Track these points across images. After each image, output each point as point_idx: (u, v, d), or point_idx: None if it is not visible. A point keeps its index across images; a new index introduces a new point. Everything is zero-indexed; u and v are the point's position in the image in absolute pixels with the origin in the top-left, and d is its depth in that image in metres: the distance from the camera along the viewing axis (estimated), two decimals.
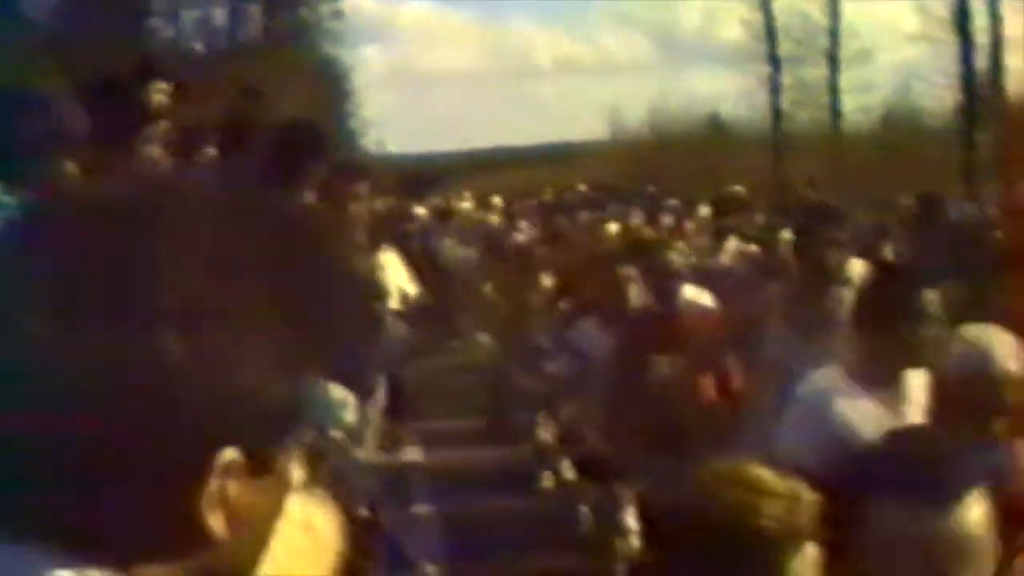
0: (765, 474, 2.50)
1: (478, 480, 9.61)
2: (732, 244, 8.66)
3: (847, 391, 4.09)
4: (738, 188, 21.36)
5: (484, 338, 11.70)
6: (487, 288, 11.18)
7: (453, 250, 15.80)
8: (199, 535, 0.97)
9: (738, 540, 2.39)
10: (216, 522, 0.97)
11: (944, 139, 30.47)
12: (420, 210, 20.78)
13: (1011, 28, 29.26)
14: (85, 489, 0.95)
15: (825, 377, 4.24)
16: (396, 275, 6.77)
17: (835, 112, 33.87)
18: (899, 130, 33.59)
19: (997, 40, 29.22)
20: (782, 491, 2.44)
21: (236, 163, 5.87)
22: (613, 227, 11.10)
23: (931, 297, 4.06)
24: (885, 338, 4.04)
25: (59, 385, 0.94)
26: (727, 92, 36.76)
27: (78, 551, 0.95)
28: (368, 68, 60.13)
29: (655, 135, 38.84)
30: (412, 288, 6.96)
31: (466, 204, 21.89)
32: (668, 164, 33.62)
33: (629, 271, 6.94)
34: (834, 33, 33.44)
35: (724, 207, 9.75)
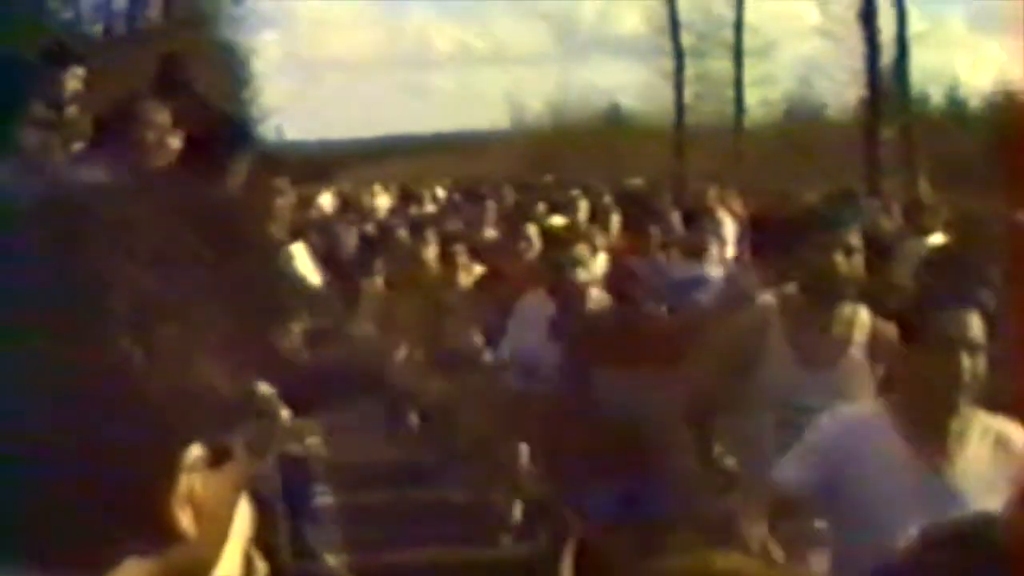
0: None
1: (378, 473, 9.63)
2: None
3: (884, 435, 3.49)
4: (637, 180, 21.22)
5: (368, 330, 11.05)
6: (379, 281, 10.56)
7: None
8: (168, 533, 0.98)
9: None
10: (185, 517, 0.99)
11: (846, 134, 30.34)
12: (324, 199, 20.29)
13: (916, 24, 29.35)
14: (52, 502, 0.95)
15: (860, 412, 3.68)
16: (304, 266, 6.79)
17: (738, 105, 33.70)
18: (802, 124, 33.62)
19: (903, 35, 29.07)
20: None
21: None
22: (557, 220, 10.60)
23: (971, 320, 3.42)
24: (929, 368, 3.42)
25: (14, 398, 0.94)
26: (628, 84, 36.65)
27: (48, 565, 0.96)
28: (266, 55, 59.31)
29: (555, 126, 38.65)
30: (317, 279, 7.03)
31: (381, 197, 21.20)
32: (569, 155, 33.39)
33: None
34: (738, 27, 33.29)
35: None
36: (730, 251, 10.52)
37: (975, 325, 3.38)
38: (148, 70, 8.36)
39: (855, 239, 4.31)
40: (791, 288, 4.56)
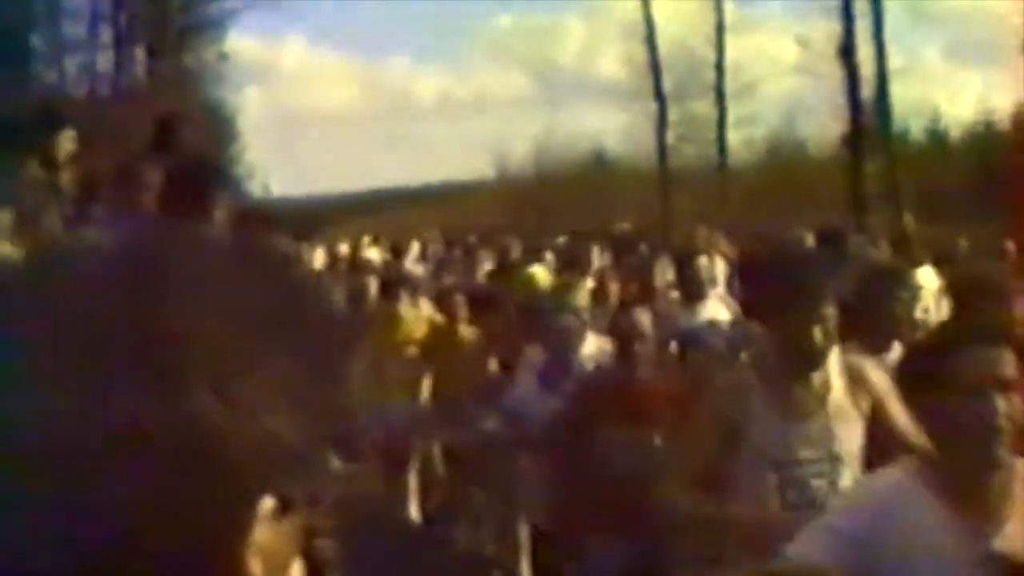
0: None
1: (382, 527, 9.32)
2: None
3: (922, 506, 3.02)
4: (626, 225, 21.23)
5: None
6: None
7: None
8: None
9: None
10: (257, 568, 1.00)
11: (829, 171, 30.44)
12: (317, 254, 20.19)
13: (893, 59, 29.52)
14: (128, 557, 0.95)
15: (889, 483, 3.16)
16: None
17: (721, 146, 33.80)
18: (784, 162, 33.68)
19: (882, 70, 29.24)
20: None
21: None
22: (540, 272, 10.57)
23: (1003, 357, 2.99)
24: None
25: (88, 458, 0.94)
26: (611, 128, 36.67)
27: None
28: (249, 111, 59.34)
29: (540, 173, 38.65)
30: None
31: (371, 251, 21.13)
32: (554, 202, 33.39)
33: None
34: (719, 67, 33.39)
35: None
36: (720, 293, 10.51)
37: (1008, 362, 2.95)
38: (139, 131, 8.42)
39: (830, 311, 4.18)
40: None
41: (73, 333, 0.97)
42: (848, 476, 4.14)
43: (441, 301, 9.54)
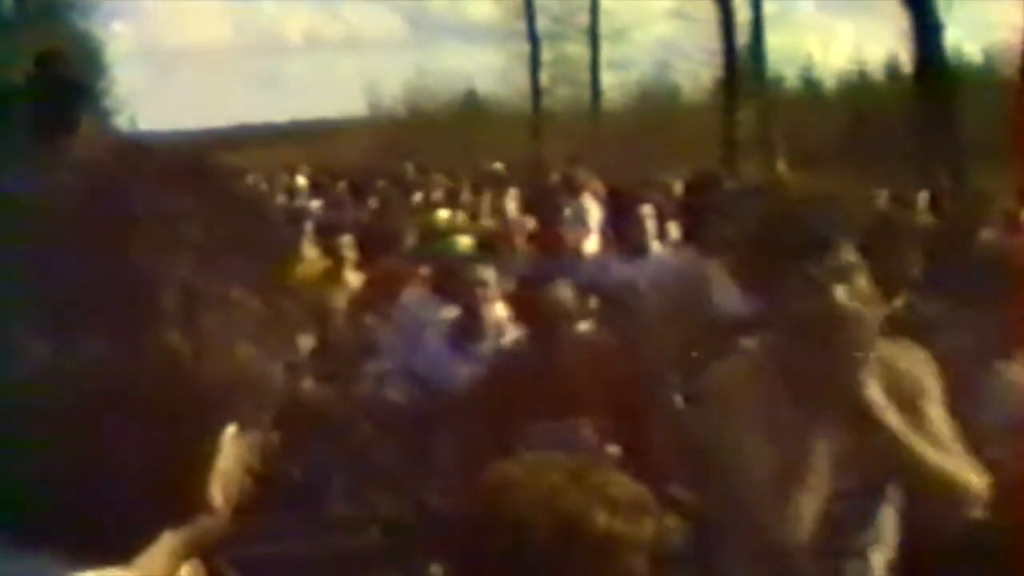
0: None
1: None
2: None
3: None
4: (498, 165, 20.96)
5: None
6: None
7: None
8: (199, 506, 1.03)
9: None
10: (217, 491, 1.04)
11: (702, 117, 30.48)
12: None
13: (769, 6, 29.61)
14: (87, 489, 0.98)
15: None
16: None
17: (594, 89, 33.65)
18: (658, 107, 33.75)
19: (758, 16, 29.28)
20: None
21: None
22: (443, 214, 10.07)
23: None
24: None
25: (59, 391, 0.95)
26: (483, 68, 36.45)
27: (81, 552, 0.99)
28: (117, 45, 58.11)
29: (412, 112, 38.29)
30: None
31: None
32: (427, 141, 33.05)
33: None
34: (594, 10, 33.27)
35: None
36: (594, 237, 10.20)
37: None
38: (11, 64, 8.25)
39: (851, 254, 2.93)
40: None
41: (39, 275, 0.97)
42: None
43: (328, 242, 8.62)
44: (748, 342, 3.73)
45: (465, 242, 6.67)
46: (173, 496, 1.02)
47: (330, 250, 8.43)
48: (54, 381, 0.95)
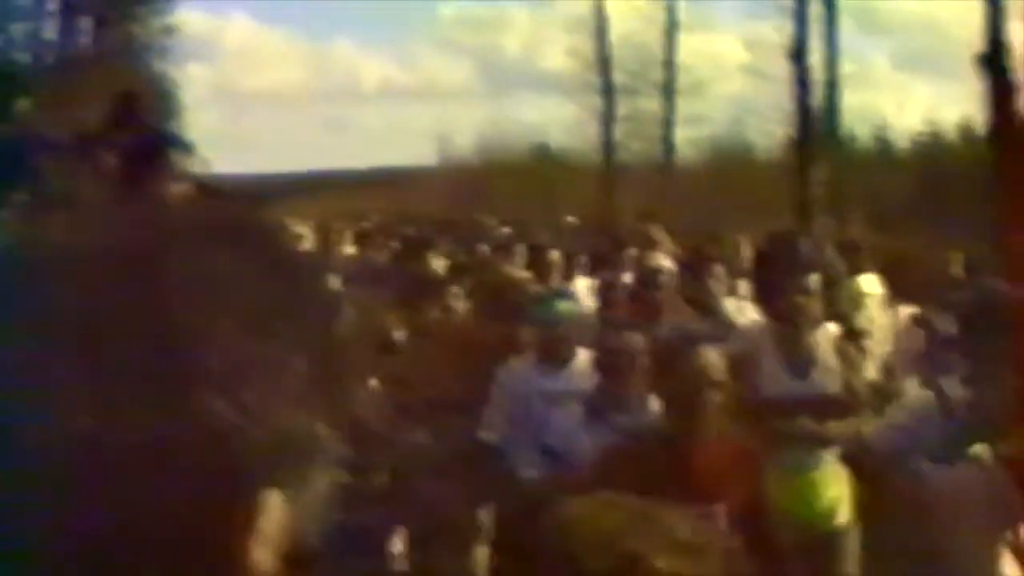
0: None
1: None
2: None
3: None
4: (571, 218, 21.03)
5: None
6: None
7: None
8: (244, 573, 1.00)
9: None
10: (261, 558, 1.00)
11: (774, 174, 30.40)
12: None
13: (844, 65, 29.51)
14: (129, 557, 0.94)
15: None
16: None
17: (667, 144, 33.69)
18: (730, 164, 33.66)
19: (833, 76, 29.23)
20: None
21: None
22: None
23: None
24: None
25: (100, 459, 0.92)
26: (556, 120, 36.50)
27: None
28: (192, 86, 58.84)
29: (483, 162, 38.42)
30: None
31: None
32: (498, 192, 33.19)
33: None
34: (669, 64, 33.28)
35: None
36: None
37: None
38: (89, 103, 8.27)
39: (814, 282, 5.36)
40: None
41: (78, 337, 0.94)
42: None
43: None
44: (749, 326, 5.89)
45: (565, 307, 6.34)
46: (219, 562, 1.00)
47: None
48: (96, 448, 0.94)
